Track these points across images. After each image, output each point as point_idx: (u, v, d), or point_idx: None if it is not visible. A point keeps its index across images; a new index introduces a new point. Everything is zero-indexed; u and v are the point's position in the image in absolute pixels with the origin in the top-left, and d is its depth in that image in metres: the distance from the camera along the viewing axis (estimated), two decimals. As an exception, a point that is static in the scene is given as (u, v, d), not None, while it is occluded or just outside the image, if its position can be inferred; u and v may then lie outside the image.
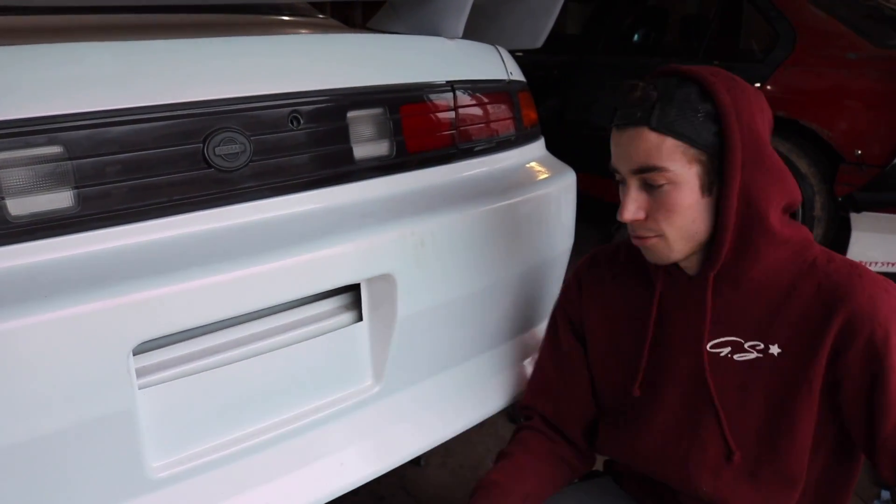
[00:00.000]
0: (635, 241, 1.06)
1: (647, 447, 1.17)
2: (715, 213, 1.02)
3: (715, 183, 1.01)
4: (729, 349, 1.07)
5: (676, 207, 1.00)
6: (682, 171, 0.99)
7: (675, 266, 1.09)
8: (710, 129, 0.98)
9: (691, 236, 1.03)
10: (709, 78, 0.99)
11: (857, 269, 1.02)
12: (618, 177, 1.05)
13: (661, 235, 1.03)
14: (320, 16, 1.95)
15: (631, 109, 0.99)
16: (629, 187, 1.02)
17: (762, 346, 1.05)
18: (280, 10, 1.86)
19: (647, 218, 1.02)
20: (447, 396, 1.44)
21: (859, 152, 3.20)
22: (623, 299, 1.19)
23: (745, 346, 1.06)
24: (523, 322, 1.59)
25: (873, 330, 0.97)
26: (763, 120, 1.01)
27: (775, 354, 1.04)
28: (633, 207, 1.02)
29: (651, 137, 0.98)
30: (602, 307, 1.22)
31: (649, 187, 1.01)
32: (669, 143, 0.98)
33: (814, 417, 1.04)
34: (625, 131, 1.01)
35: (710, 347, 1.08)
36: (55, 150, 0.99)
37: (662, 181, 0.99)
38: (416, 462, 2.11)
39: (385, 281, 1.26)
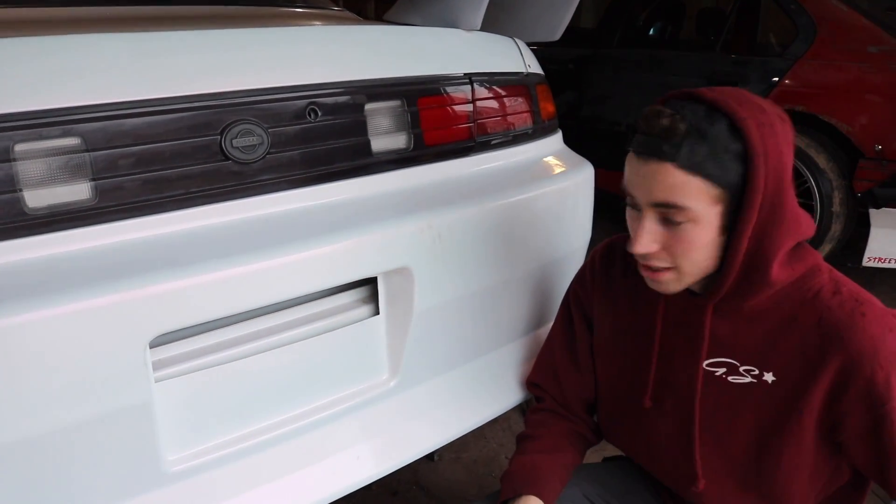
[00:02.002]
0: (644, 272, 1.03)
1: (646, 448, 1.19)
2: (725, 247, 0.98)
3: (733, 221, 0.96)
4: (724, 370, 1.06)
5: (694, 245, 0.96)
6: (705, 210, 0.94)
7: None
8: (736, 169, 0.93)
9: (702, 270, 1.00)
10: (739, 113, 0.92)
11: (862, 306, 0.96)
12: (630, 201, 1.00)
13: (675, 268, 0.99)
14: (335, 8, 1.94)
15: (656, 140, 0.93)
16: (645, 218, 0.97)
17: (757, 371, 1.03)
18: (295, 1, 1.85)
19: (660, 250, 0.98)
20: (463, 391, 1.43)
21: (879, 147, 3.16)
22: (630, 300, 1.18)
23: (741, 369, 1.04)
24: (539, 318, 1.58)
25: (874, 372, 0.93)
26: (789, 155, 0.97)
27: (769, 382, 1.02)
28: (647, 240, 0.97)
29: (677, 175, 0.92)
30: (611, 301, 1.22)
31: (667, 221, 0.96)
32: (696, 183, 0.93)
33: (803, 450, 1.02)
34: (648, 162, 0.94)
35: (707, 365, 1.07)
36: (73, 141, 0.99)
37: (682, 219, 0.95)
38: (429, 457, 2.11)
39: (402, 274, 1.25)
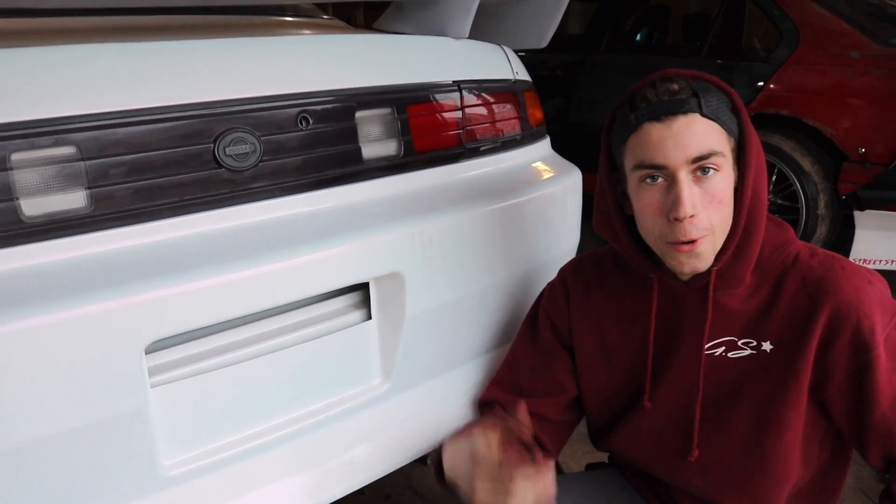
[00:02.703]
0: (683, 249, 1.00)
1: (642, 445, 1.20)
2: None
3: (738, 174, 1.03)
4: (724, 348, 1.08)
5: (724, 197, 1.00)
6: (728, 156, 1.01)
7: (672, 276, 1.08)
8: (733, 119, 1.01)
9: (724, 233, 1.02)
10: (711, 76, 1.03)
11: (840, 261, 1.03)
12: (653, 172, 0.99)
13: (712, 232, 1.00)
14: (325, 16, 1.96)
15: (673, 100, 0.98)
16: (681, 181, 0.97)
17: (755, 342, 1.06)
18: (285, 11, 1.87)
19: (699, 213, 0.99)
20: (455, 395, 1.45)
21: (863, 150, 3.21)
22: (613, 307, 1.19)
23: (739, 343, 1.07)
24: (530, 320, 1.60)
25: (859, 320, 0.98)
26: None
27: (767, 351, 1.05)
28: (692, 201, 0.97)
29: (705, 123, 0.98)
30: (591, 315, 1.22)
31: (698, 179, 0.98)
32: (718, 129, 0.99)
33: (801, 416, 1.05)
34: (675, 120, 0.97)
35: (707, 349, 1.09)
36: (68, 150, 1.00)
37: (717, 167, 0.99)
38: (422, 461, 2.11)
39: (394, 279, 1.27)
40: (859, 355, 0.99)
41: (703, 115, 0.98)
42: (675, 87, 0.99)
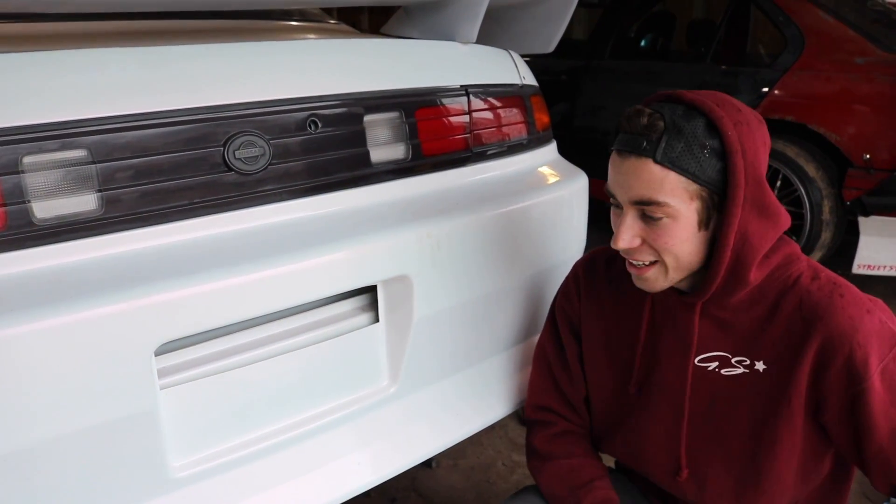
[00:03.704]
0: (630, 270, 1.06)
1: (641, 453, 1.20)
2: (710, 244, 1.01)
3: (713, 217, 1.00)
4: (717, 364, 1.08)
5: (674, 240, 0.99)
6: (682, 206, 0.97)
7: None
8: (714, 165, 0.96)
9: (685, 267, 1.03)
10: (716, 111, 0.96)
11: (840, 288, 1.00)
12: (613, 201, 1.04)
13: (657, 262, 1.02)
14: (332, 21, 1.97)
15: (636, 137, 0.97)
16: (625, 215, 1.01)
17: (748, 361, 1.06)
18: (292, 15, 1.88)
19: (642, 244, 1.01)
20: (461, 398, 1.45)
21: (867, 156, 3.20)
22: (618, 304, 1.21)
23: (733, 361, 1.07)
24: (535, 324, 1.60)
25: (852, 350, 0.96)
26: (765, 154, 1.00)
27: (760, 370, 1.05)
28: (628, 236, 1.01)
29: (655, 170, 0.95)
30: (598, 309, 1.24)
31: (647, 218, 0.99)
32: (672, 178, 0.96)
33: (796, 436, 1.05)
34: (627, 159, 0.98)
35: (699, 361, 1.09)
36: (79, 153, 1.01)
37: (661, 215, 0.98)
38: (427, 464, 2.12)
39: (402, 282, 1.27)
40: (852, 385, 0.97)
41: (656, 161, 0.95)
42: (643, 121, 0.96)
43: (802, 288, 1.01)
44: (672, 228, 0.98)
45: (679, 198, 0.96)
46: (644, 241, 1.01)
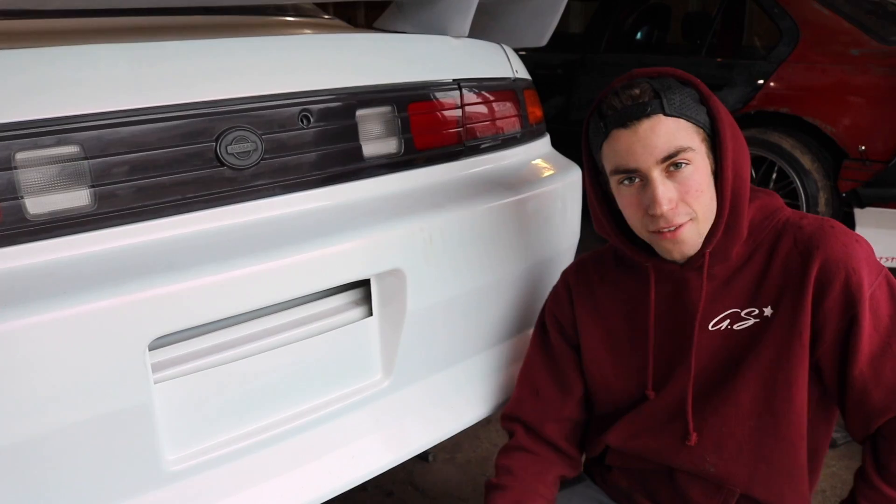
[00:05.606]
0: (667, 237, 1.06)
1: (647, 434, 1.21)
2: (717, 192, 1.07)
3: (715, 160, 1.07)
4: (728, 322, 1.12)
5: (701, 186, 1.04)
6: (699, 148, 1.04)
7: (668, 261, 1.11)
8: (701, 110, 1.06)
9: (710, 217, 1.07)
10: (677, 71, 1.08)
11: (829, 221, 1.08)
12: (622, 178, 1.06)
13: (694, 218, 1.05)
14: (326, 16, 1.97)
15: (636, 106, 1.03)
16: (654, 180, 1.03)
17: (757, 311, 1.10)
18: (286, 10, 1.88)
19: (676, 206, 1.04)
20: (456, 391, 1.46)
21: (863, 148, 3.21)
22: (615, 299, 1.22)
23: (742, 314, 1.11)
24: (529, 318, 1.60)
25: (848, 274, 1.02)
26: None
27: (769, 316, 1.08)
28: (668, 196, 1.03)
29: (669, 122, 1.02)
30: (594, 309, 1.25)
31: (672, 174, 1.03)
32: (684, 125, 1.03)
33: (807, 375, 1.08)
34: (640, 125, 1.03)
35: (712, 326, 1.12)
36: (72, 149, 1.01)
37: (687, 160, 1.03)
38: (423, 457, 2.13)
39: (395, 276, 1.28)
40: (849, 310, 1.02)
41: (666, 114, 1.02)
42: (637, 91, 1.03)
43: (793, 226, 1.08)
44: (696, 175, 1.04)
45: (695, 140, 1.04)
46: (679, 199, 1.04)
